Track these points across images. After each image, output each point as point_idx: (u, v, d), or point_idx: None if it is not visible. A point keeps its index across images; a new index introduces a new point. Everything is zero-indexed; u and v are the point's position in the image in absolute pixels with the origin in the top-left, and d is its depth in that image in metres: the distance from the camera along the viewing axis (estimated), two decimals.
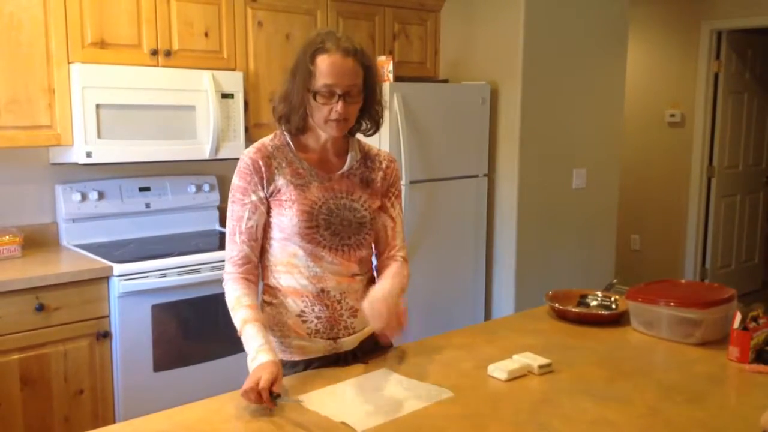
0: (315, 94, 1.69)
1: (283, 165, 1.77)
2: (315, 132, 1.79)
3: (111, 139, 2.99)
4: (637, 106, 5.74)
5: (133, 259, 2.92)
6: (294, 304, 1.79)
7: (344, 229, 1.79)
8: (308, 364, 1.80)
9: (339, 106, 1.69)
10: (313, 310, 1.79)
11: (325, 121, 1.72)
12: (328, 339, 1.81)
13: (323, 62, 1.68)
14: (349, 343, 1.84)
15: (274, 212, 1.77)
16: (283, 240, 1.77)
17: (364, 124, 1.84)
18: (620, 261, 4.85)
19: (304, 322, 1.79)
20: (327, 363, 1.81)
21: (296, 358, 1.81)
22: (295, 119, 1.75)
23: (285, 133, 1.80)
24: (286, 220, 1.74)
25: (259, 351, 1.62)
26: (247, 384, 1.53)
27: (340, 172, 1.82)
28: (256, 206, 1.75)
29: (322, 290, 1.78)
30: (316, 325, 1.79)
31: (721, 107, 5.67)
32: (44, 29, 2.84)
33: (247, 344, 1.66)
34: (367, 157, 1.88)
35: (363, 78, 1.73)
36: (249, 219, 1.76)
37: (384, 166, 1.90)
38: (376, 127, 1.85)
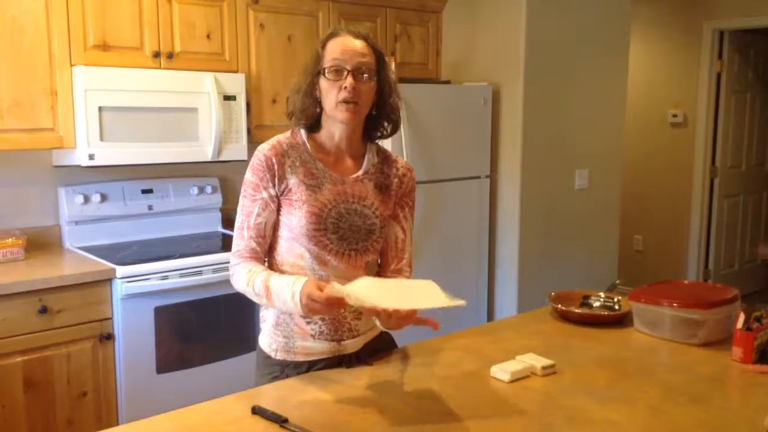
0: (324, 71, 1.70)
1: (297, 164, 1.76)
2: (329, 129, 1.78)
3: (113, 142, 2.99)
4: (639, 107, 5.73)
5: (136, 261, 2.92)
6: None
7: (352, 234, 1.77)
8: (312, 366, 1.80)
9: (348, 81, 1.68)
10: None
11: (335, 103, 1.71)
12: (332, 341, 1.80)
13: (333, 44, 1.72)
14: (353, 345, 1.83)
15: (284, 211, 1.76)
16: (290, 240, 1.76)
17: (381, 125, 1.82)
18: (623, 262, 4.84)
19: (309, 323, 1.78)
20: (331, 364, 1.80)
21: (300, 359, 1.81)
22: (307, 106, 1.75)
23: (301, 131, 1.80)
24: (294, 220, 1.74)
25: (293, 286, 1.61)
26: (317, 309, 1.57)
27: (354, 176, 1.80)
28: (266, 203, 1.75)
29: None
30: (320, 327, 1.79)
31: (723, 107, 5.66)
32: (46, 32, 2.84)
33: (280, 292, 1.64)
34: (384, 162, 1.87)
35: (375, 64, 1.74)
36: (258, 215, 1.75)
37: (401, 173, 1.88)
38: (395, 125, 1.83)
